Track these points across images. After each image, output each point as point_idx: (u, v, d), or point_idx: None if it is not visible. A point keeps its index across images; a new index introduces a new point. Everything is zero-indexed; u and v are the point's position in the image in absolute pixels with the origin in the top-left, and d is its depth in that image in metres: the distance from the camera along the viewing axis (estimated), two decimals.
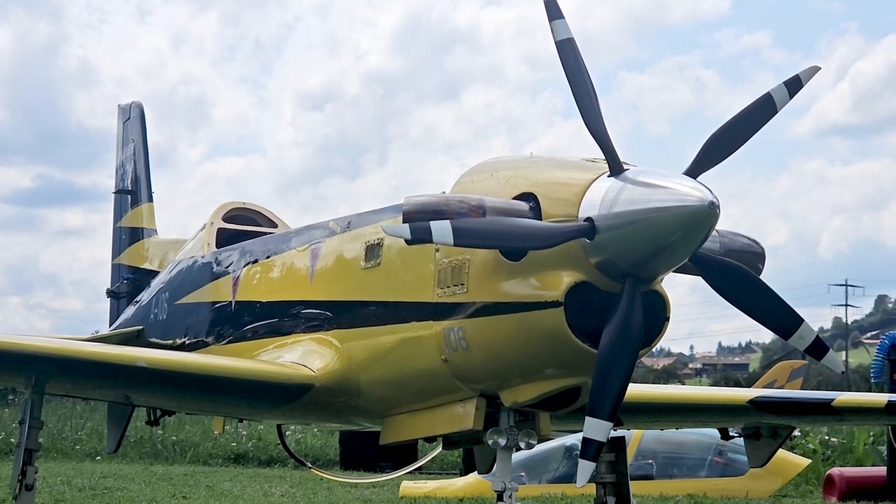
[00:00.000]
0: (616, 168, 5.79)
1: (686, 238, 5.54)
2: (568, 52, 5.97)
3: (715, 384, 50.17)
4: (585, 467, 5.77)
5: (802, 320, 6.04)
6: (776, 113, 5.96)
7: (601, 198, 5.72)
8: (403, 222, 5.79)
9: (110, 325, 13.11)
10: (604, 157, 5.94)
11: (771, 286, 6.06)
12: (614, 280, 5.80)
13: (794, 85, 5.99)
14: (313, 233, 8.20)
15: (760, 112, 5.96)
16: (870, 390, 19.35)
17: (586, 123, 5.89)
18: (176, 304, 10.41)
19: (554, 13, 5.97)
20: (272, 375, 7.56)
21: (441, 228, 5.64)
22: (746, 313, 6.12)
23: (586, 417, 5.78)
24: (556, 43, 5.98)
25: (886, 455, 16.78)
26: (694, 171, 5.79)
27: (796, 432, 16.40)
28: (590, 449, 5.76)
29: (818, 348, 6.11)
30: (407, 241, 5.76)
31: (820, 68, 6.10)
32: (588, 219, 5.72)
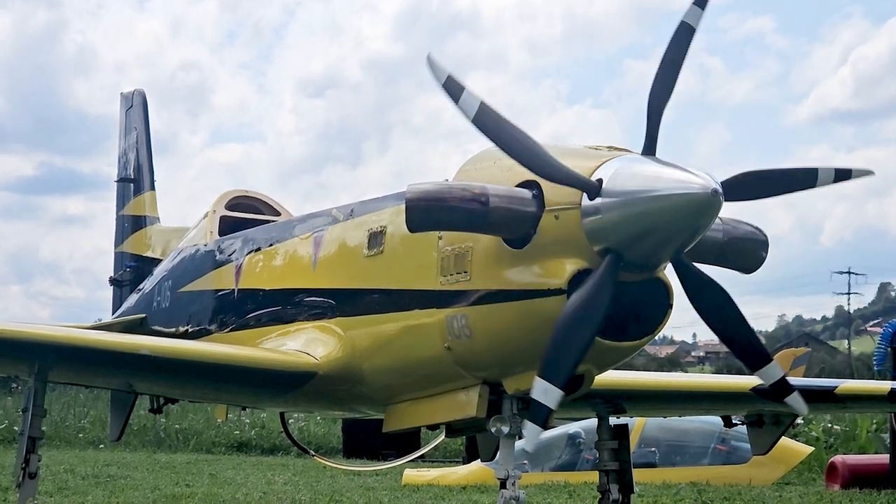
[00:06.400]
0: (649, 148, 5.73)
1: (689, 225, 5.53)
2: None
3: (718, 372, 50.16)
4: (532, 431, 5.57)
5: (771, 358, 6.05)
6: (813, 187, 6.00)
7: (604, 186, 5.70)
8: (406, 211, 5.77)
9: (113, 313, 13.14)
10: (607, 146, 5.94)
11: (750, 310, 6.03)
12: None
13: (842, 174, 6.03)
14: (316, 221, 8.21)
15: (801, 178, 6.00)
16: (872, 378, 19.36)
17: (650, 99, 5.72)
18: (179, 292, 10.42)
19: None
20: (275, 363, 7.57)
21: (469, 100, 5.62)
22: (716, 335, 6.10)
23: (536, 378, 5.57)
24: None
25: (889, 442, 16.79)
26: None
27: (799, 420, 16.40)
28: (539, 413, 5.54)
29: (782, 388, 6.10)
30: (442, 86, 5.61)
31: (873, 173, 6.14)
32: (599, 180, 5.65)
